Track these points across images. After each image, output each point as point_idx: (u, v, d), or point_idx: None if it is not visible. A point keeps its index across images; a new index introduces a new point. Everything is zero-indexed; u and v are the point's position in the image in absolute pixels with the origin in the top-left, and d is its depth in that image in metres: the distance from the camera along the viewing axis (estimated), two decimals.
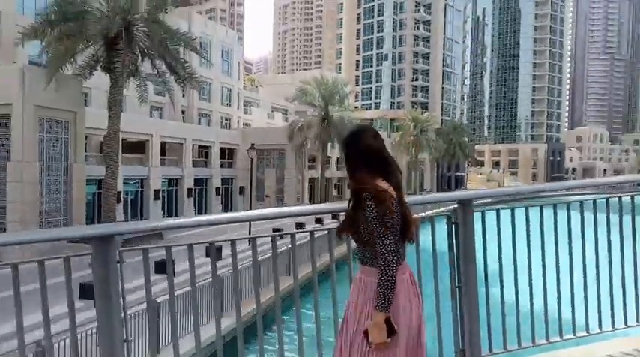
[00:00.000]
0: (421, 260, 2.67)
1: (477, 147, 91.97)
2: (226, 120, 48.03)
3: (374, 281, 1.97)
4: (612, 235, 3.19)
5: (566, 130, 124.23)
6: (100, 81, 25.39)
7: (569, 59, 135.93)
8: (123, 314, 2.16)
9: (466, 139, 69.56)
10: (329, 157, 44.86)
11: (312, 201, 45.12)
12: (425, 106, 78.15)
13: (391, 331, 1.94)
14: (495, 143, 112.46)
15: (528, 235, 2.95)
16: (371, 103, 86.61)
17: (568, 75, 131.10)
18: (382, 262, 1.90)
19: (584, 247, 3.12)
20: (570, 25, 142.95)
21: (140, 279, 2.31)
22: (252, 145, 22.06)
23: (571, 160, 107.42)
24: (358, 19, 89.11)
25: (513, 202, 3.16)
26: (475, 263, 2.80)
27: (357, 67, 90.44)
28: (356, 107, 75.30)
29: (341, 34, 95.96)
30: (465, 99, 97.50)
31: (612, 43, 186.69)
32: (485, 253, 2.87)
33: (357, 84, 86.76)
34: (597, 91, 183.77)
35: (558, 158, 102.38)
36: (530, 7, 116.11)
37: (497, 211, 2.93)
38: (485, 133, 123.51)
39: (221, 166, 39.96)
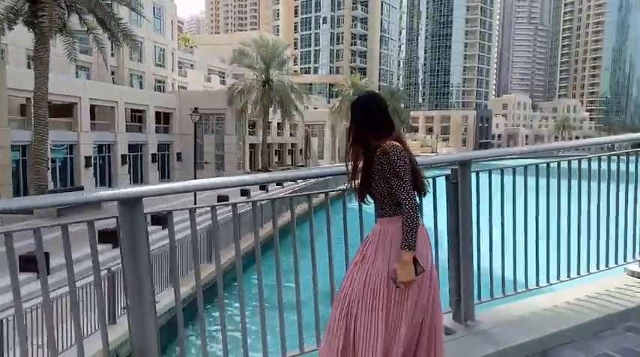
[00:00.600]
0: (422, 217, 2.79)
1: (411, 113, 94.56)
2: (160, 82, 45.70)
3: (394, 228, 2.10)
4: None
5: (493, 97, 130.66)
6: (19, 36, 23.14)
7: (497, 29, 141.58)
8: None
9: (402, 105, 71.27)
10: (269, 122, 44.32)
11: (252, 168, 44.68)
12: (363, 72, 78.73)
13: (417, 269, 2.05)
14: (429, 109, 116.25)
15: (514, 195, 3.17)
16: (310, 67, 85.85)
17: (496, 44, 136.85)
18: (406, 205, 2.03)
19: (559, 207, 3.39)
20: None
21: (85, 249, 2.20)
22: (196, 109, 21.22)
23: (497, 127, 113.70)
24: None
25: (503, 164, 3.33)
26: (472, 220, 2.97)
27: (296, 29, 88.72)
28: (295, 71, 74.39)
29: None
30: (401, 65, 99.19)
31: (536, 13, 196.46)
32: (479, 211, 3.04)
33: (295, 47, 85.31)
34: (522, 59, 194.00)
35: (486, 124, 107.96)
36: None
37: (489, 172, 3.11)
38: (420, 99, 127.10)
39: (157, 131, 38.27)
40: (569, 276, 3.48)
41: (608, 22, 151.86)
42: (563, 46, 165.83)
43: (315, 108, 60.30)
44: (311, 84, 75.20)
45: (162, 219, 12.26)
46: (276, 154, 52.72)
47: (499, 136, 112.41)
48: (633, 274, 3.84)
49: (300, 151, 57.53)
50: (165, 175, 39.12)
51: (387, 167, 2.05)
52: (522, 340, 2.88)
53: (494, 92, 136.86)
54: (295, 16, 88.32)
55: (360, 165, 2.19)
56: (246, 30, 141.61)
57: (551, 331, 2.97)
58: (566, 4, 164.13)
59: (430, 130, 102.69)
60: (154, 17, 43.79)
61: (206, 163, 41.91)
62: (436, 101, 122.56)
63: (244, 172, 40.45)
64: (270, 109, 40.53)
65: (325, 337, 2.22)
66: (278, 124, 49.60)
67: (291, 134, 55.69)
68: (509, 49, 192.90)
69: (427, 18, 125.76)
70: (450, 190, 2.96)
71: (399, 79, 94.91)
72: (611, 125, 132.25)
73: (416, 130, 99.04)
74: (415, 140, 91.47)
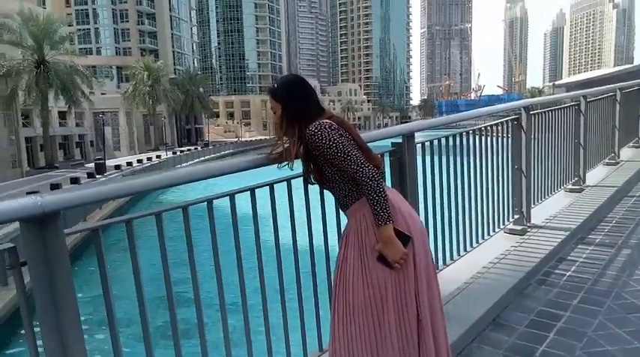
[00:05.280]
0: None
1: (211, 98, 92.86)
2: None
3: (365, 209, 1.81)
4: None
5: None
6: None
7: (285, 17, 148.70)
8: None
9: (202, 90, 69.32)
10: (49, 110, 37.79)
11: (32, 165, 37.75)
12: (155, 54, 73.57)
13: (405, 239, 1.77)
14: (228, 94, 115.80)
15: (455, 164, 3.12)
16: (91, 48, 76.15)
17: (284, 31, 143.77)
18: (361, 176, 1.75)
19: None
20: None
21: None
22: None
23: None
24: None
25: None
26: (418, 191, 2.80)
27: (68, 3, 77.24)
28: (73, 52, 64.94)
29: None
30: (195, 49, 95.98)
31: (315, 4, 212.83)
32: (422, 180, 2.91)
33: (70, 24, 74.20)
34: (307, 47, 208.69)
35: None
36: None
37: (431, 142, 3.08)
38: (217, 84, 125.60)
39: None
40: (465, 249, 3.55)
41: (375, 14, 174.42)
42: (341, 34, 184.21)
43: (102, 93, 53.90)
44: (95, 66, 67.04)
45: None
46: (61, 148, 45.61)
47: None
48: (511, 231, 4.23)
49: (91, 142, 51.15)
50: None
51: (326, 145, 1.76)
52: (478, 314, 2.83)
53: None
54: None
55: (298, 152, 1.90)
56: None
57: (494, 300, 3.00)
58: None
59: (231, 116, 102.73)
60: None
61: None
62: (234, 86, 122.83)
63: (23, 171, 33.76)
64: (51, 96, 34.58)
65: None
66: (60, 112, 42.86)
67: (77, 124, 48.91)
68: (295, 38, 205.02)
69: (216, 0, 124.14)
70: (394, 166, 2.71)
71: (194, 62, 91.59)
72: (383, 106, 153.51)
73: (217, 115, 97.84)
74: (218, 125, 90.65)
